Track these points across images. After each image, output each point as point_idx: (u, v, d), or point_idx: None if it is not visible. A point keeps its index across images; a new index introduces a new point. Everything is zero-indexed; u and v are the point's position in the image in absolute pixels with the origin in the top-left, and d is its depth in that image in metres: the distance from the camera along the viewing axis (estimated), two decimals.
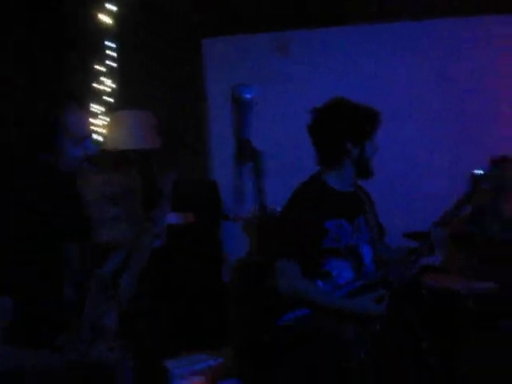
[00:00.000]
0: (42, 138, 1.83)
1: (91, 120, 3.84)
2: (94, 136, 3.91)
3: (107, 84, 3.52)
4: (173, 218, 3.71)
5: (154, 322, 3.33)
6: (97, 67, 3.32)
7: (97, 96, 3.58)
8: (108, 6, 2.43)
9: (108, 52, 3.14)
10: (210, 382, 2.82)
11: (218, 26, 4.42)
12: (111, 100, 3.66)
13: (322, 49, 4.50)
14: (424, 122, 4.42)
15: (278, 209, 4.06)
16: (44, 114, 1.85)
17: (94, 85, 3.48)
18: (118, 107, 3.74)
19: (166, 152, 4.23)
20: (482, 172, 2.50)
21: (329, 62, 4.47)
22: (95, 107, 3.71)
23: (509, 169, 3.75)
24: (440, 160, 4.39)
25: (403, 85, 4.41)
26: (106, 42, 3.02)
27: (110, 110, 3.72)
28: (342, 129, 2.22)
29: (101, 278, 1.97)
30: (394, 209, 4.08)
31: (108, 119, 3.74)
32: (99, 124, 3.78)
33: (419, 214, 2.90)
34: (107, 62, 3.24)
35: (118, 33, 2.80)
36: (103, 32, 2.65)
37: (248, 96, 1.58)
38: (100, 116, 3.76)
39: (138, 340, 2.93)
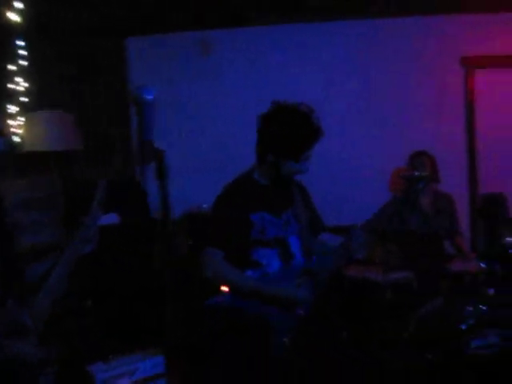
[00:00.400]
0: None
1: (8, 121, 3.70)
2: (12, 137, 3.77)
3: (22, 84, 3.41)
4: (109, 218, 3.66)
5: (84, 323, 3.28)
6: (9, 67, 3.21)
7: (12, 96, 3.47)
8: (16, 3, 2.36)
9: (20, 51, 3.05)
10: None
11: (141, 24, 4.37)
12: (27, 100, 3.55)
13: (247, 48, 4.55)
14: (348, 122, 4.57)
15: (205, 206, 4.10)
16: None
17: (9, 85, 3.36)
18: (34, 107, 3.64)
19: (90, 153, 4.14)
20: (418, 173, 2.58)
21: (256, 61, 4.52)
22: (11, 108, 3.58)
23: (426, 163, 3.96)
24: (364, 158, 4.55)
25: (334, 82, 4.54)
26: (17, 41, 2.94)
27: (26, 110, 3.61)
28: (265, 140, 2.32)
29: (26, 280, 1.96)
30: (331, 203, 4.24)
31: (24, 120, 3.62)
32: (16, 125, 3.66)
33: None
34: (20, 61, 3.14)
35: (28, 31, 2.73)
36: (13, 30, 2.57)
37: (148, 97, 1.59)
38: (16, 117, 3.63)
39: (65, 341, 2.87)
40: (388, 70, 4.50)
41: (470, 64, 4.47)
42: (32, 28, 2.72)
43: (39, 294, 1.94)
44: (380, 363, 3.16)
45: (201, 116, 4.52)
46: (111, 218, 3.79)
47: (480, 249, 4.35)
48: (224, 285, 2.29)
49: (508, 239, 3.16)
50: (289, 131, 2.25)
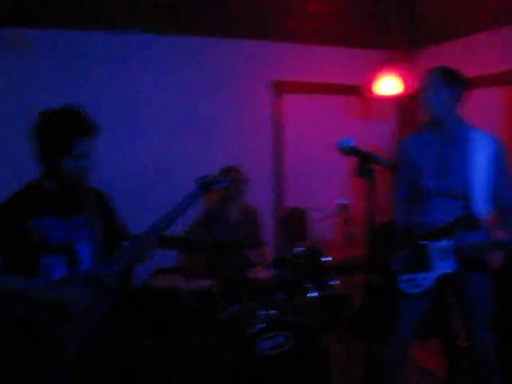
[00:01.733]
0: None
1: None
2: None
3: None
4: None
5: None
6: None
7: None
8: None
9: None
10: None
11: None
12: None
13: (65, 51, 4.40)
14: (167, 132, 4.65)
15: None
16: None
17: None
18: None
19: None
20: (206, 175, 2.68)
21: (67, 65, 4.39)
22: None
23: (234, 177, 4.21)
24: (182, 169, 4.65)
25: (150, 96, 4.56)
26: None
27: None
28: (38, 147, 2.31)
29: None
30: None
31: None
32: None
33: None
34: None
35: None
36: None
37: None
38: None
39: None
40: (204, 88, 4.68)
41: (279, 88, 4.85)
42: None
43: None
44: (183, 365, 3.29)
45: (13, 116, 4.24)
46: None
47: None
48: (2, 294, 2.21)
49: (297, 248, 3.48)
50: (51, 127, 2.28)
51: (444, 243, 2.77)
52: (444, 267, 2.76)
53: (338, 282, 3.48)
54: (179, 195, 4.29)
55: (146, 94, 4.54)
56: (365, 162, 2.08)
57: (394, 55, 4.99)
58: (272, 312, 3.27)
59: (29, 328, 2.18)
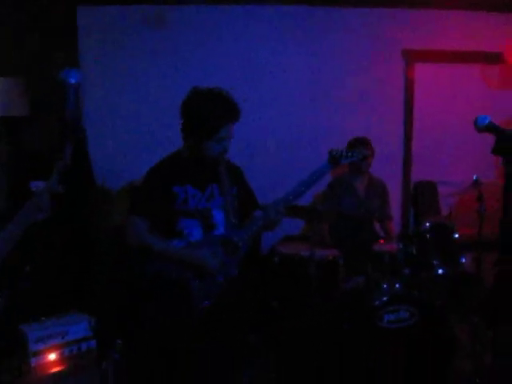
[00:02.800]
0: None
1: None
2: None
3: None
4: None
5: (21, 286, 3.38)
6: None
7: None
8: None
9: None
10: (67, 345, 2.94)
11: None
12: None
13: (200, 26, 4.60)
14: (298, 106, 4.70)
15: None
16: None
17: None
18: None
19: (35, 120, 4.17)
20: (337, 149, 2.72)
21: (206, 40, 4.56)
22: None
23: (362, 150, 4.17)
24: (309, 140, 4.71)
25: (281, 69, 4.63)
26: None
27: None
28: (184, 125, 2.49)
29: None
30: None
31: None
32: None
33: None
34: None
35: None
36: None
37: (72, 80, 1.73)
38: None
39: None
40: (332, 59, 4.65)
41: (410, 57, 4.67)
42: None
43: None
44: (303, 332, 3.41)
45: (151, 90, 4.55)
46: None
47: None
48: (147, 251, 2.44)
49: (426, 224, 3.39)
50: (201, 111, 2.40)
51: None
52: None
53: (466, 260, 3.35)
54: (308, 168, 4.40)
55: (276, 67, 4.61)
56: (502, 140, 1.99)
57: None
58: (396, 286, 3.25)
59: (172, 285, 2.41)
